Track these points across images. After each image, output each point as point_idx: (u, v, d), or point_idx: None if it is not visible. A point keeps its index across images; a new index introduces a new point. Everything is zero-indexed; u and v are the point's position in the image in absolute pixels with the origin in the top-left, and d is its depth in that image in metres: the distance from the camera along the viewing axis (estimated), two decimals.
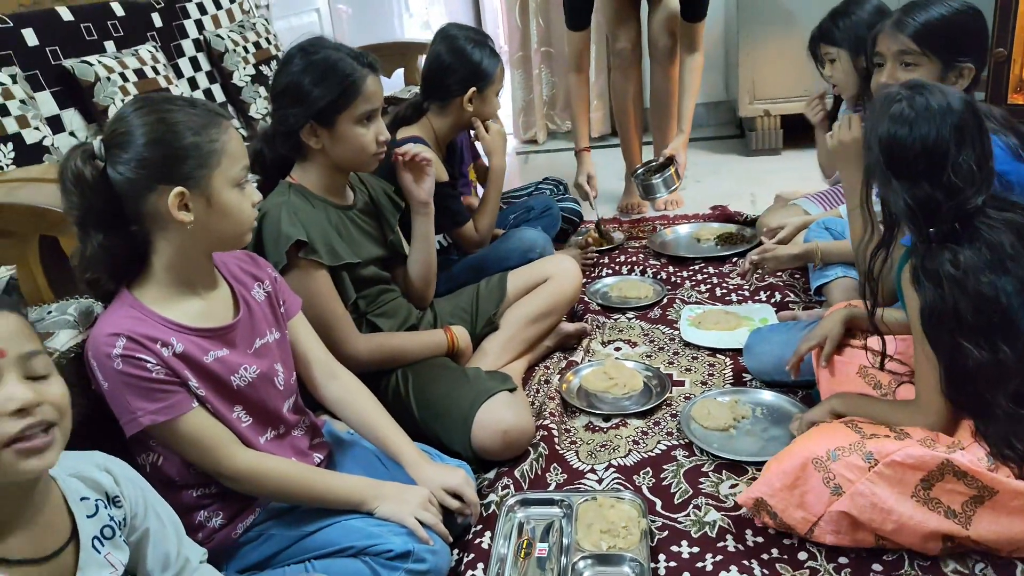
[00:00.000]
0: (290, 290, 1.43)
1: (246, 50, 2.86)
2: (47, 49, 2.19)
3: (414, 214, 1.79)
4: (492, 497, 1.51)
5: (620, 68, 3.14)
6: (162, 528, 1.02)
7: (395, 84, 3.24)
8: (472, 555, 1.38)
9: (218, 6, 2.95)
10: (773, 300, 2.24)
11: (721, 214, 2.90)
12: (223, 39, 2.80)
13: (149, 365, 1.13)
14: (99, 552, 0.93)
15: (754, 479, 1.51)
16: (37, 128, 1.92)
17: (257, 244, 1.56)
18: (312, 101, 1.57)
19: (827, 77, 2.31)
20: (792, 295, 2.26)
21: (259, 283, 1.34)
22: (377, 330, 1.73)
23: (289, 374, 1.35)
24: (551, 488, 1.56)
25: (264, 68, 2.91)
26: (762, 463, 1.52)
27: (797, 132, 3.62)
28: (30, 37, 2.16)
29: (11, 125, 1.86)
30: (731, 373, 1.92)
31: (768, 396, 1.75)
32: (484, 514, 1.47)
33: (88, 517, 0.93)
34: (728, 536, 1.39)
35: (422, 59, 3.55)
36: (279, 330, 1.35)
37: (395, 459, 1.41)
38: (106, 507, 0.96)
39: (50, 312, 1.28)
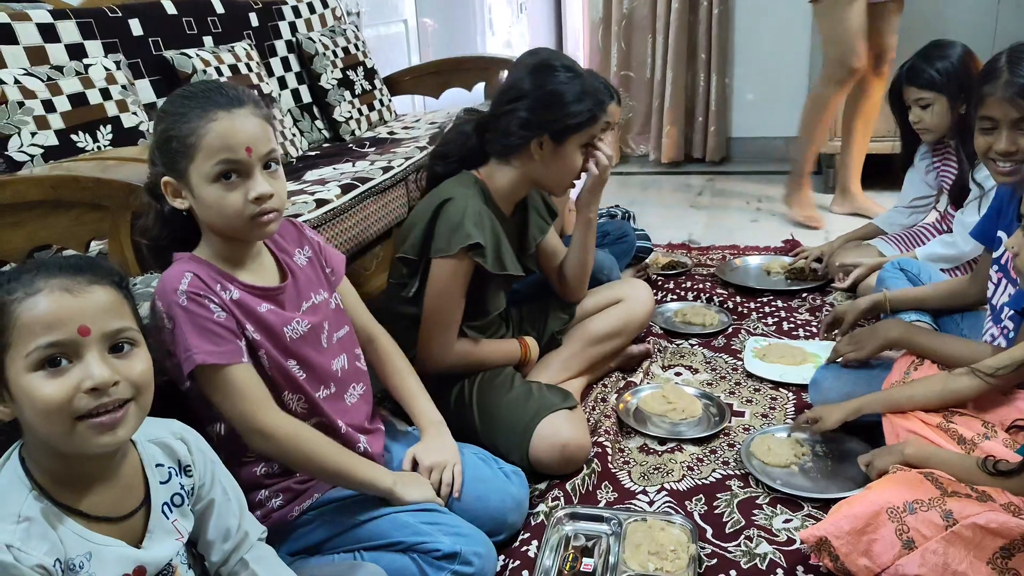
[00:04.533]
0: (335, 254, 1.45)
1: (335, 54, 2.94)
2: (150, 39, 2.29)
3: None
4: (541, 507, 1.51)
5: (853, 87, 3.10)
6: (226, 501, 1.05)
7: (475, 98, 3.29)
8: (518, 562, 1.39)
9: (312, 10, 3.04)
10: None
11: (792, 248, 2.86)
12: (314, 42, 2.88)
13: (212, 306, 1.17)
14: (167, 518, 0.96)
15: (810, 516, 1.48)
16: (135, 113, 2.00)
17: (431, 222, 1.62)
18: (568, 115, 1.62)
19: (912, 122, 2.25)
20: None
21: (300, 249, 1.37)
22: (464, 336, 1.75)
23: (333, 331, 1.37)
24: (601, 505, 1.56)
25: (351, 73, 2.99)
26: (825, 501, 1.50)
27: (876, 171, 3.55)
28: (135, 27, 2.25)
29: (112, 108, 1.94)
30: (793, 408, 1.88)
31: (830, 434, 1.71)
32: (532, 523, 1.47)
33: (161, 484, 0.97)
34: (778, 570, 1.36)
35: (503, 75, 3.60)
36: (327, 291, 1.38)
37: (415, 422, 1.48)
38: (177, 475, 0.99)
39: (135, 284, 1.34)
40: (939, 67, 2.15)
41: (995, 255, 1.58)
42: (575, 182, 1.78)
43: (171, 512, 0.97)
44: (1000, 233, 1.57)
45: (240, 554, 1.06)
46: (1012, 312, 1.46)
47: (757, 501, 1.54)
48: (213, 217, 1.19)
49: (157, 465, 0.97)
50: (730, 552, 1.41)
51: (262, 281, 1.27)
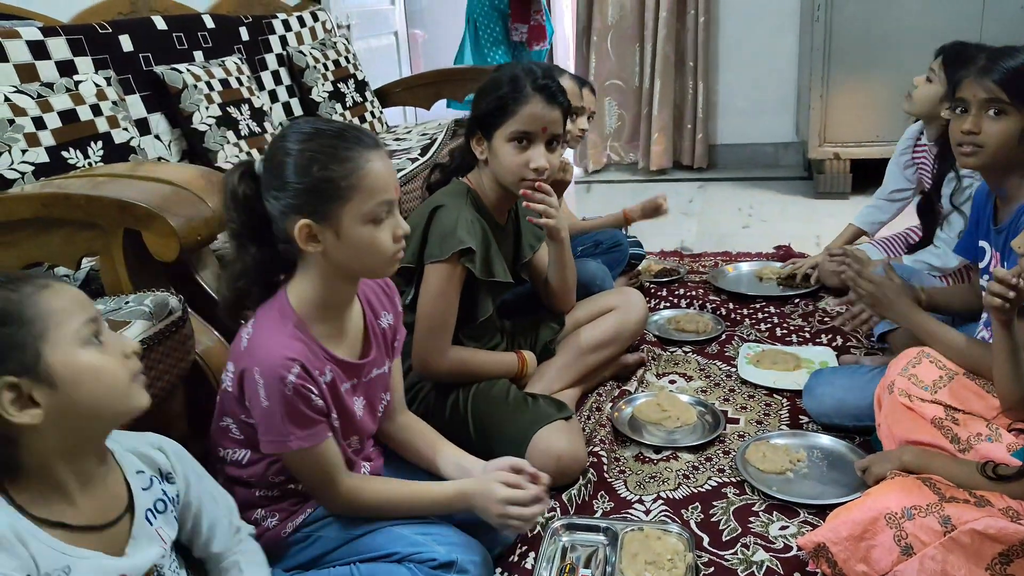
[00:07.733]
0: (402, 328, 1.42)
1: (326, 67, 2.95)
2: (140, 55, 2.30)
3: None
4: (538, 519, 1.50)
5: None
6: (213, 501, 1.07)
7: (466, 109, 3.31)
8: (515, 574, 1.38)
9: (302, 24, 3.05)
10: (834, 344, 2.20)
11: (785, 255, 2.87)
12: (305, 55, 2.89)
13: (314, 396, 1.17)
14: (151, 524, 0.97)
15: (806, 522, 1.48)
16: (126, 129, 2.01)
17: (425, 230, 1.63)
18: (481, 106, 1.62)
19: (912, 87, 2.25)
20: (854, 340, 2.22)
21: (386, 312, 1.36)
22: (461, 345, 1.74)
23: (380, 403, 1.38)
24: (597, 515, 1.55)
25: (342, 85, 2.99)
26: (821, 507, 1.50)
27: (866, 177, 3.57)
28: (126, 43, 2.26)
29: (102, 124, 1.95)
30: (787, 414, 1.88)
31: (825, 440, 1.71)
32: (529, 535, 1.47)
33: (143, 490, 0.98)
34: None
35: None
36: (386, 364, 1.37)
37: (472, 468, 1.38)
38: (159, 482, 1.00)
39: (128, 303, 1.33)
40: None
41: (982, 265, 1.58)
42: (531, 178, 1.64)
43: (155, 518, 0.98)
44: (981, 243, 1.57)
45: (236, 547, 1.09)
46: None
47: (753, 508, 1.54)
48: (359, 258, 1.18)
49: (138, 472, 0.98)
50: (727, 560, 1.41)
51: (349, 348, 1.27)
